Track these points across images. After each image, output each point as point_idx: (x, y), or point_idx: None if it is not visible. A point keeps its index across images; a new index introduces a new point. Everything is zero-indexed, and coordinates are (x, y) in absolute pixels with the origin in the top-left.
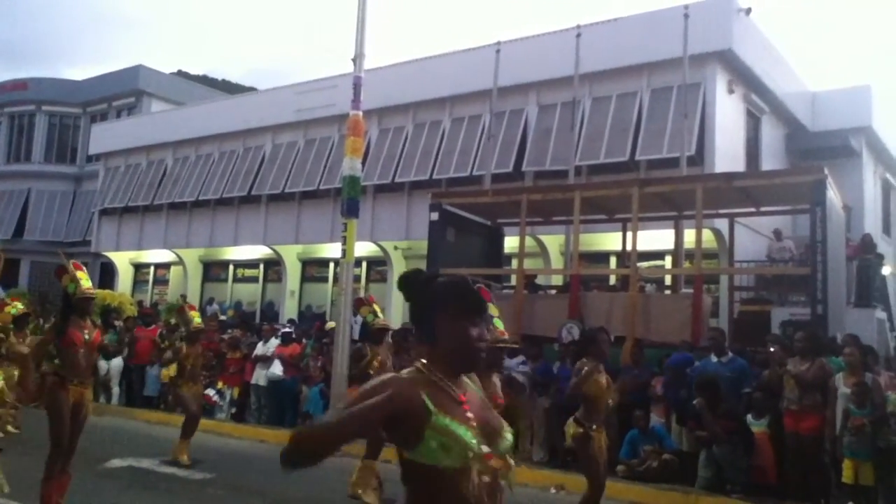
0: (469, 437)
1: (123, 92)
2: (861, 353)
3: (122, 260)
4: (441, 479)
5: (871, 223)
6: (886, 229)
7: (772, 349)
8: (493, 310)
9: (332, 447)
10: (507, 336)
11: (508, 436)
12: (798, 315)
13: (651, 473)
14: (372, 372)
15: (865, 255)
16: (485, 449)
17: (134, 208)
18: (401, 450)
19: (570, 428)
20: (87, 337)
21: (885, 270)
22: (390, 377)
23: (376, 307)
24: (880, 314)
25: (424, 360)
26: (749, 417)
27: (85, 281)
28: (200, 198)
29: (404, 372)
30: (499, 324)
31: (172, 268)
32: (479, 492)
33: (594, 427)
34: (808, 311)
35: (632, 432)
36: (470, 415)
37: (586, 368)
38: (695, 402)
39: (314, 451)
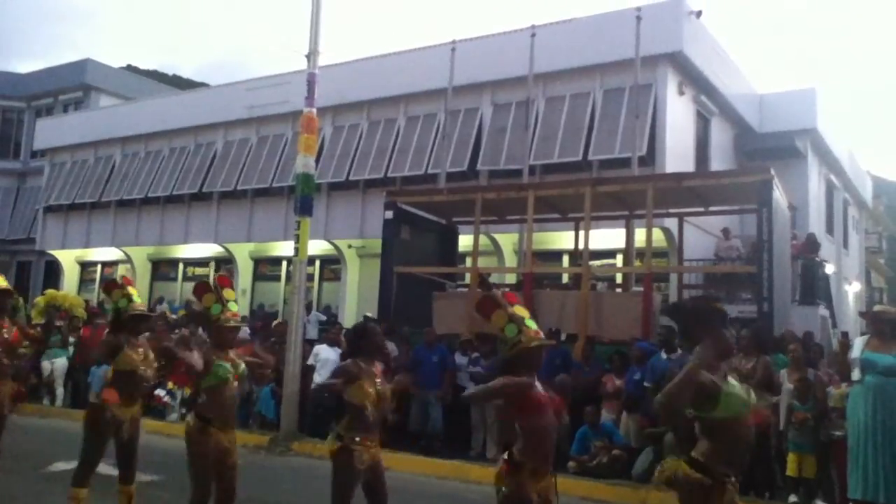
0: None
1: (70, 86)
2: (806, 349)
3: (68, 258)
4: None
5: (816, 222)
6: (830, 229)
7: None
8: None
9: None
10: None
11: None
12: (745, 312)
13: (601, 469)
14: (131, 367)
15: (810, 253)
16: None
17: (80, 205)
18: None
19: (329, 443)
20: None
21: (828, 269)
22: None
23: (132, 290)
24: (823, 311)
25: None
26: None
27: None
28: (150, 195)
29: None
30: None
31: (120, 266)
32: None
33: (357, 440)
34: (754, 308)
35: (582, 429)
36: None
37: (351, 371)
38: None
39: None
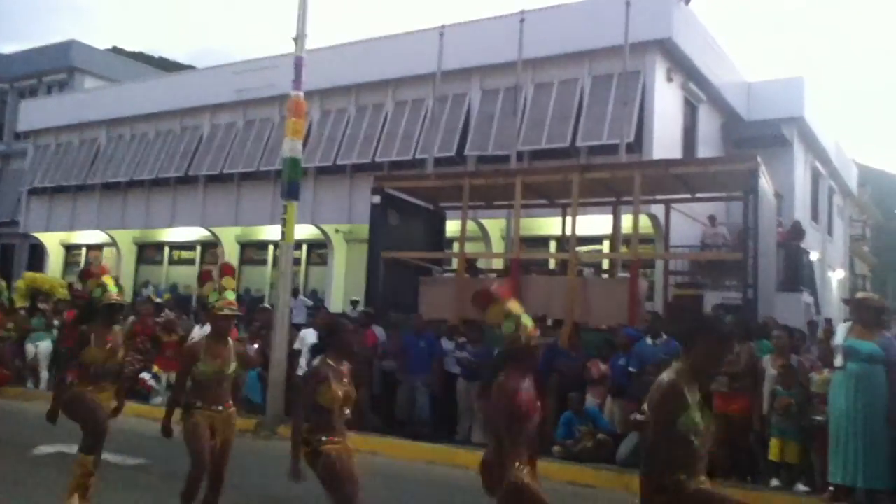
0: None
1: (55, 68)
2: (788, 335)
3: (53, 241)
4: None
5: (801, 210)
6: (815, 216)
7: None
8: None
9: None
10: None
11: None
12: (730, 299)
13: (586, 454)
14: (92, 361)
15: (795, 241)
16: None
17: (65, 188)
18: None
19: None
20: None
21: (813, 256)
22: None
23: (108, 280)
24: (807, 298)
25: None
26: None
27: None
28: (135, 178)
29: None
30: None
31: (105, 249)
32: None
33: (323, 439)
34: (739, 295)
35: (567, 414)
36: None
37: (321, 372)
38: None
39: None
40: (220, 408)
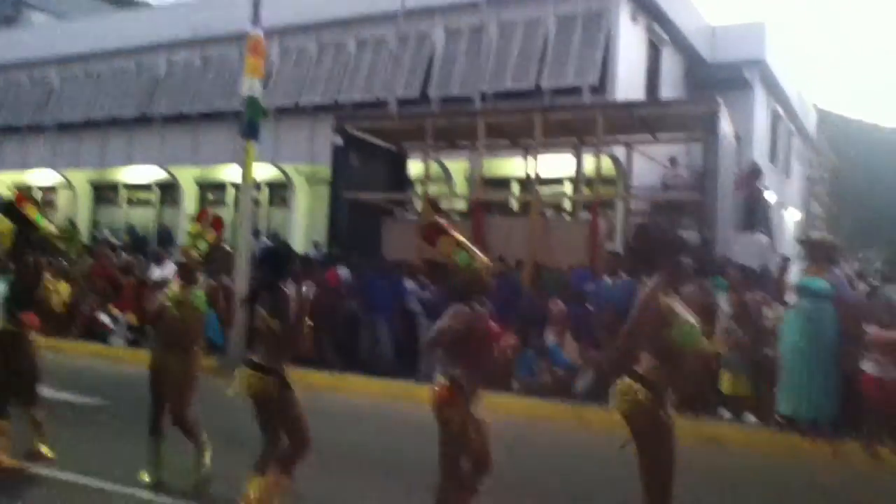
0: None
1: (1, 2)
2: (743, 274)
3: (3, 182)
4: None
5: (760, 152)
6: (773, 158)
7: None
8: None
9: None
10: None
11: None
12: (689, 239)
13: (545, 389)
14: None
15: (753, 182)
16: None
17: (16, 128)
18: None
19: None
20: None
21: (770, 197)
22: None
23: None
24: (764, 238)
25: None
26: None
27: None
28: (90, 117)
29: None
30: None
31: (60, 191)
32: None
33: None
34: (698, 235)
35: (527, 351)
36: None
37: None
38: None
39: None
40: None
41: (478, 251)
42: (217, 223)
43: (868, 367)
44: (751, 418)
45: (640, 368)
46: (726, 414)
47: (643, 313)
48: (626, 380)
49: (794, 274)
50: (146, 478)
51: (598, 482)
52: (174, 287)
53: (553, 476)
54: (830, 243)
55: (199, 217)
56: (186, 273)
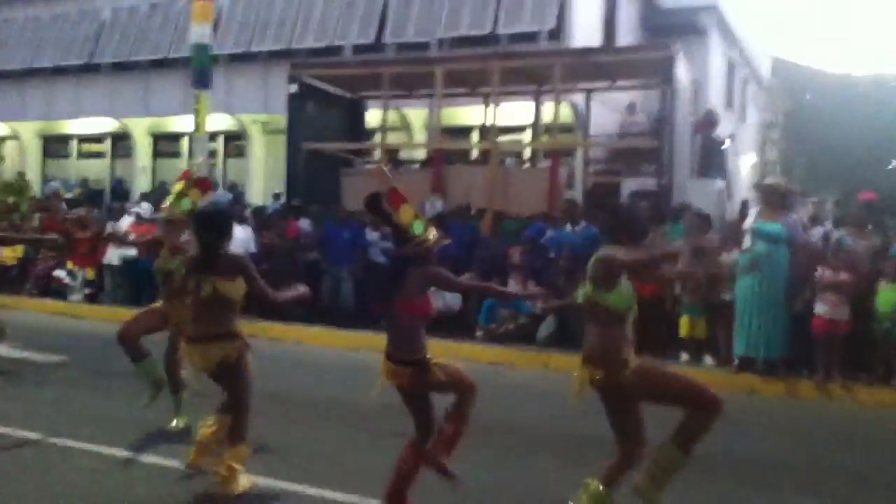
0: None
1: None
2: (701, 220)
3: None
4: None
5: (716, 98)
6: (729, 103)
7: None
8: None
9: None
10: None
11: None
12: (646, 186)
13: (508, 336)
14: None
15: (709, 128)
16: None
17: None
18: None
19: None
20: None
21: (726, 143)
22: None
23: None
24: (719, 184)
25: None
26: None
27: None
28: (34, 66)
29: None
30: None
31: (7, 143)
32: None
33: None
34: (655, 181)
35: (489, 299)
36: None
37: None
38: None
39: None
40: None
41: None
42: (202, 183)
43: (819, 308)
44: (708, 360)
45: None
46: (685, 356)
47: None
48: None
49: (750, 218)
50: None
51: (560, 422)
52: (164, 252)
53: (519, 419)
54: (784, 188)
55: (183, 175)
56: (172, 234)
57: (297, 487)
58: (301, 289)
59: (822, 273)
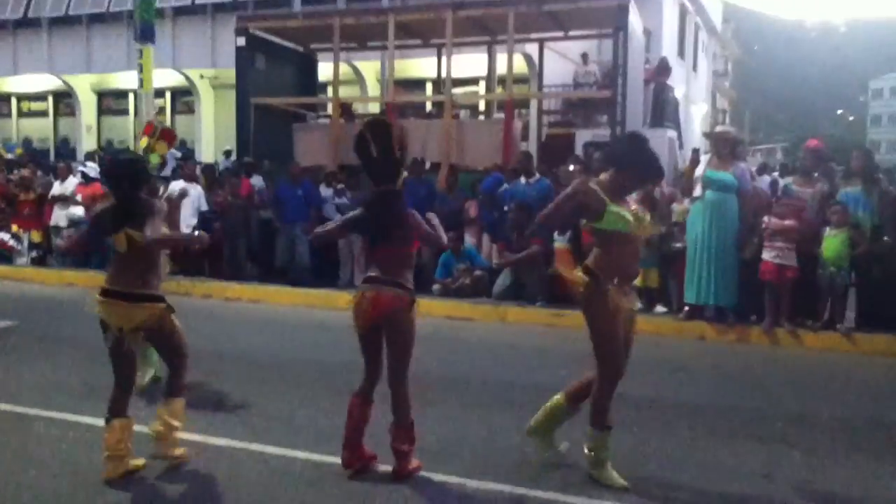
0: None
1: None
2: None
3: None
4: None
5: (668, 47)
6: (681, 52)
7: (571, 168)
8: None
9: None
10: None
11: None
12: (599, 136)
13: (464, 290)
14: None
15: (661, 78)
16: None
17: None
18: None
19: None
20: None
21: (678, 92)
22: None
23: None
24: (671, 134)
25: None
26: (554, 235)
27: None
28: None
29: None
30: None
31: None
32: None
33: None
34: (609, 132)
35: (445, 254)
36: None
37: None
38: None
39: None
40: None
41: None
42: (167, 134)
43: (766, 254)
44: (660, 309)
45: (588, 261)
46: (638, 305)
47: (568, 197)
48: (579, 272)
49: (701, 167)
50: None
51: (517, 375)
52: None
53: (476, 372)
54: (734, 137)
55: (146, 130)
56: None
57: (257, 447)
58: (199, 234)
59: (769, 220)
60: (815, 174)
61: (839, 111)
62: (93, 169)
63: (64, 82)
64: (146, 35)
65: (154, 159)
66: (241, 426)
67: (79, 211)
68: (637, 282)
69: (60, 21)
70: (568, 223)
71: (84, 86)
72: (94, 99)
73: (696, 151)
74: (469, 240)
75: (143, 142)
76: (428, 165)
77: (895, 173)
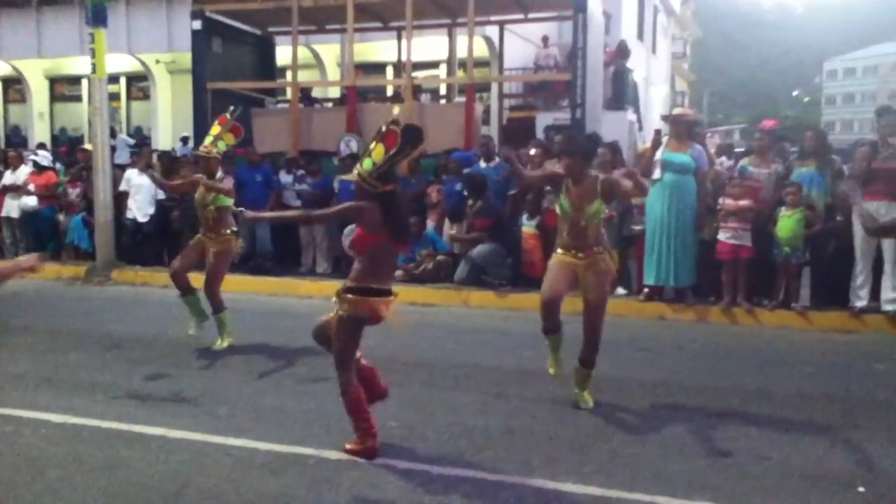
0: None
1: None
2: (611, 151)
3: None
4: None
5: (628, 29)
6: (640, 35)
7: (532, 152)
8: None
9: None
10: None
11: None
12: (560, 119)
13: (427, 275)
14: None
15: (621, 60)
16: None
17: None
18: None
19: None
20: None
21: (637, 75)
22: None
23: None
24: (631, 116)
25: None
26: (523, 219)
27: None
28: None
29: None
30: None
31: None
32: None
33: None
34: (569, 115)
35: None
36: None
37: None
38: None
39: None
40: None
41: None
42: (235, 129)
43: (722, 234)
44: (620, 291)
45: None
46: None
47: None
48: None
49: (660, 149)
50: (193, 329)
51: (481, 358)
52: (200, 189)
53: (440, 356)
54: (691, 118)
55: (220, 121)
56: (208, 171)
57: (220, 439)
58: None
59: (723, 201)
60: (770, 154)
61: (795, 92)
62: (45, 157)
63: (13, 68)
64: (98, 18)
65: (222, 146)
66: (207, 417)
67: (31, 201)
68: None
69: (8, 4)
70: (538, 207)
71: (35, 71)
72: (46, 85)
73: (658, 133)
74: (430, 224)
75: (215, 129)
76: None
77: (848, 153)
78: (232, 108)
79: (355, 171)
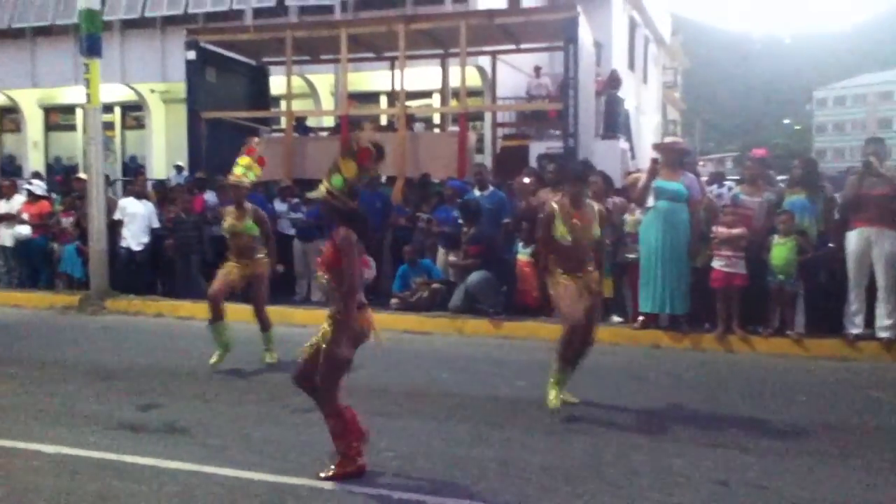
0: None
1: None
2: (604, 181)
3: None
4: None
5: (619, 59)
6: (631, 64)
7: (526, 181)
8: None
9: None
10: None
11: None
12: (553, 148)
13: (422, 303)
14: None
15: (612, 89)
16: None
17: None
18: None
19: None
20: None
21: (629, 104)
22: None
23: None
24: (623, 144)
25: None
26: (519, 247)
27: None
28: None
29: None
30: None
31: None
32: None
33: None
34: (562, 144)
35: (402, 267)
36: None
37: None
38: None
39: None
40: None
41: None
42: (262, 160)
43: (716, 262)
44: (616, 318)
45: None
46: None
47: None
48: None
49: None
50: (216, 358)
51: (475, 387)
52: (230, 218)
53: (435, 385)
54: (682, 147)
55: (249, 151)
56: (237, 200)
57: (213, 470)
58: None
59: (717, 229)
60: (761, 182)
61: (787, 120)
62: (39, 187)
63: (8, 97)
64: (92, 48)
65: (251, 176)
66: (196, 447)
67: (25, 230)
68: None
69: (3, 34)
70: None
71: (30, 101)
72: (40, 114)
73: (654, 161)
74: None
75: (245, 160)
76: (384, 179)
77: (840, 181)
78: (256, 139)
79: (322, 189)
